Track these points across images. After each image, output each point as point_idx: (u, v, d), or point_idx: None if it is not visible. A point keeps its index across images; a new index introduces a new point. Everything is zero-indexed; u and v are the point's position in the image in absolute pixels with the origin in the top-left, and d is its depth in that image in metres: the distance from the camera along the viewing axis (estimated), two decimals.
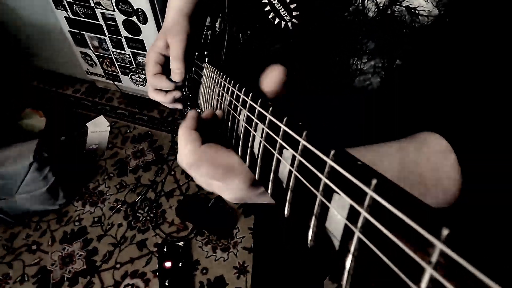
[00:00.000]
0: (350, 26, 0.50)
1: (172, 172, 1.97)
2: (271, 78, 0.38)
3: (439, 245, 0.13)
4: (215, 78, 0.52)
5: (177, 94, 0.69)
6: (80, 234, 1.77)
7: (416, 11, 0.46)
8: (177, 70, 0.66)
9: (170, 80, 0.68)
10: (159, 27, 1.79)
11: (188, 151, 0.38)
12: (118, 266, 1.65)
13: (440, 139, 0.38)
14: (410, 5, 0.46)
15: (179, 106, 0.74)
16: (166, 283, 1.53)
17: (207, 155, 0.37)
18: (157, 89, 0.70)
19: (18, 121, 2.08)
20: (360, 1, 0.48)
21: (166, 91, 0.70)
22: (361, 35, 0.50)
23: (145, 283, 1.59)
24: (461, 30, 0.44)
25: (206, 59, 0.69)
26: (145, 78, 2.14)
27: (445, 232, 0.13)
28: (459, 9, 0.44)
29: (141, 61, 2.03)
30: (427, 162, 0.37)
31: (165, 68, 0.69)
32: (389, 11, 0.48)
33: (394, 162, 0.36)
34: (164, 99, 0.70)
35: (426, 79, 0.49)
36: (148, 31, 1.83)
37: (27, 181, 1.67)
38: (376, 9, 0.48)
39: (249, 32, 0.61)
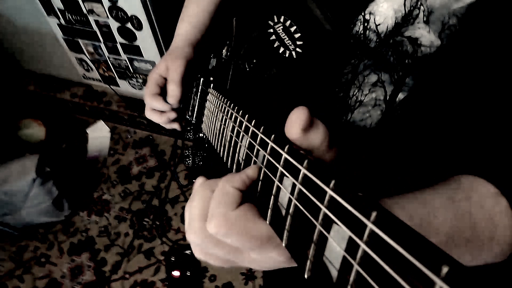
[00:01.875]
0: (352, 57, 0.49)
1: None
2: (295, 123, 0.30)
3: (439, 283, 0.13)
4: (219, 104, 0.53)
5: (172, 115, 0.72)
6: (87, 244, 1.79)
7: (418, 42, 0.45)
8: (172, 92, 0.68)
9: (166, 102, 0.70)
10: (154, 34, 1.75)
11: (218, 217, 0.28)
12: (127, 276, 1.67)
13: (486, 184, 0.35)
14: (411, 36, 0.45)
15: (175, 126, 0.76)
16: None
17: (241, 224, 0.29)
18: (153, 109, 0.72)
19: (17, 132, 2.06)
20: (362, 32, 0.47)
21: (162, 112, 0.72)
22: (363, 67, 0.49)
23: None
24: (465, 60, 0.43)
25: (212, 85, 0.70)
26: (143, 81, 2.11)
27: (445, 269, 0.13)
28: (462, 39, 0.43)
29: (138, 66, 1.99)
30: (480, 211, 0.34)
31: (164, 90, 0.72)
32: (391, 41, 0.47)
33: (449, 216, 0.33)
34: (159, 119, 0.72)
35: (434, 113, 0.48)
36: (143, 38, 1.79)
37: (32, 196, 1.67)
38: (377, 39, 0.47)
39: (254, 60, 0.61)
